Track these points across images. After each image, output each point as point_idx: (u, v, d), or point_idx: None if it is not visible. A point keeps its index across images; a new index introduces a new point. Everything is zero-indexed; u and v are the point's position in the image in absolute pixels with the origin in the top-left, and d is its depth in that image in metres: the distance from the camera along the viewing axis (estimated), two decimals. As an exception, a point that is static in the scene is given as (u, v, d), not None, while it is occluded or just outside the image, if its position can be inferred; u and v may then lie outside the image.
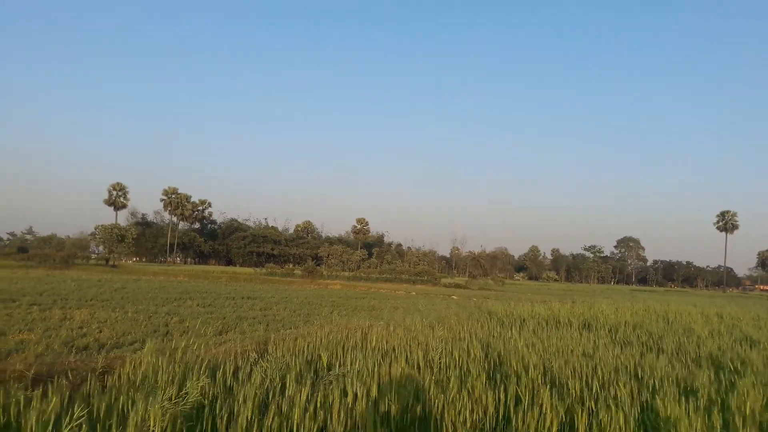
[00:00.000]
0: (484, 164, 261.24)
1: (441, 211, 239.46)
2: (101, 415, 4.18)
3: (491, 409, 5.25)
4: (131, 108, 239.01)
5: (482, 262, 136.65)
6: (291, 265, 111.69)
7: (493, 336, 10.68)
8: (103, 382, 5.64)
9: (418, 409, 5.09)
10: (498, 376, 6.66)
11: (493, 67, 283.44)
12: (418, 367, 6.86)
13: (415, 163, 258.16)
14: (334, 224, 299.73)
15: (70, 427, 3.13)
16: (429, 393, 5.36)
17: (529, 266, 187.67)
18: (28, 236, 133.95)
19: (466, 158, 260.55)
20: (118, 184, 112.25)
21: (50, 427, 3.77)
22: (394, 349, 8.11)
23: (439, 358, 7.26)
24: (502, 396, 5.53)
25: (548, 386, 5.91)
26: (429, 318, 12.78)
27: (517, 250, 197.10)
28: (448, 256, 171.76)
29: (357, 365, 6.29)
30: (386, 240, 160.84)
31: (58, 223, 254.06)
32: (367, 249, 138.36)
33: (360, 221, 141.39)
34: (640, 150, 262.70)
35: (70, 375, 6.52)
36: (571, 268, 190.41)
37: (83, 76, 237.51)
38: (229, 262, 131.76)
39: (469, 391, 5.55)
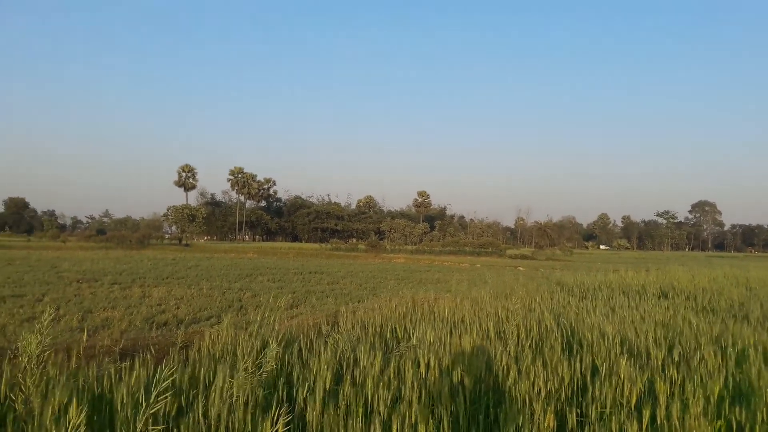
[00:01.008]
0: (548, 132, 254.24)
1: (504, 181, 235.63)
2: (185, 386, 4.37)
3: (567, 379, 5.14)
4: (195, 91, 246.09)
5: (549, 231, 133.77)
6: (354, 240, 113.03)
7: (564, 306, 10.47)
8: (184, 356, 5.89)
9: (491, 379, 5.05)
10: (572, 346, 6.52)
11: (552, 36, 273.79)
12: (489, 339, 6.80)
13: (476, 134, 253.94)
14: (395, 198, 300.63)
15: (165, 396, 3.28)
16: (501, 364, 5.30)
17: (598, 234, 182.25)
18: (105, 219, 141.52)
19: (529, 127, 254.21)
20: (186, 165, 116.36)
21: (139, 397, 3.98)
22: (462, 321, 8.07)
23: (510, 329, 7.16)
24: (577, 366, 5.40)
25: (626, 356, 5.73)
26: (496, 289, 12.65)
27: (586, 219, 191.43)
28: (513, 226, 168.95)
29: (428, 337, 6.30)
30: (448, 212, 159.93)
31: (132, 206, 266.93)
32: (429, 222, 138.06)
33: (421, 194, 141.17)
34: (714, 109, 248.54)
35: (152, 349, 6.86)
36: (643, 236, 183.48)
37: (149, 63, 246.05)
38: (295, 239, 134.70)
39: (543, 362, 5.45)
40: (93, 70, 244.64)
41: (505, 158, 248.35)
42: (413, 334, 6.81)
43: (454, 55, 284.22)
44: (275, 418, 3.51)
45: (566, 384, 5.05)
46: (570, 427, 4.22)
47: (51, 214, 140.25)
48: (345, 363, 5.15)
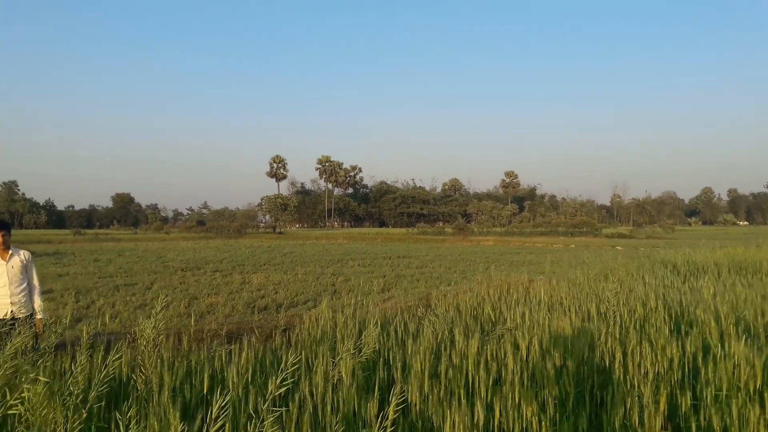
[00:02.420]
0: (643, 103, 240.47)
1: (598, 157, 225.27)
2: (289, 367, 4.54)
3: (676, 360, 4.88)
4: (282, 82, 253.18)
5: (647, 208, 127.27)
6: (441, 224, 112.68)
7: (668, 285, 9.94)
8: (286, 338, 6.12)
9: (595, 361, 4.88)
10: (680, 326, 6.18)
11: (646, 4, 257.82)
12: (590, 320, 6.58)
13: (565, 110, 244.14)
14: (482, 180, 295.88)
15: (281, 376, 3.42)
16: (605, 345, 5.11)
17: (702, 210, 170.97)
18: (204, 210, 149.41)
19: (624, 99, 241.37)
20: (277, 156, 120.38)
21: (249, 377, 4.18)
22: (560, 303, 7.85)
23: (612, 310, 6.89)
24: (687, 347, 5.11)
25: (741, 337, 5.35)
26: (594, 270, 12.19)
27: (688, 193, 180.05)
28: (608, 204, 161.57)
29: (526, 318, 6.18)
30: (538, 192, 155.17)
31: (228, 197, 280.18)
32: (517, 203, 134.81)
33: (509, 174, 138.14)
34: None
35: (256, 332, 7.18)
36: (752, 209, 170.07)
37: (239, 57, 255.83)
38: (382, 224, 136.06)
39: (650, 343, 5.21)
40: (189, 68, 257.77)
41: (598, 133, 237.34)
42: (509, 316, 6.70)
43: (541, 30, 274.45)
44: (380, 397, 3.57)
45: (675, 365, 4.79)
46: (683, 410, 4.00)
47: (154, 207, 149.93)
48: (442, 345, 5.15)
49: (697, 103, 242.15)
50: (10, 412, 3.09)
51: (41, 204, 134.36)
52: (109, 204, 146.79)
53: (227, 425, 2.83)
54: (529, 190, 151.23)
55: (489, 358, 4.49)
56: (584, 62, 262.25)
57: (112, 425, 3.42)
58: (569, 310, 6.94)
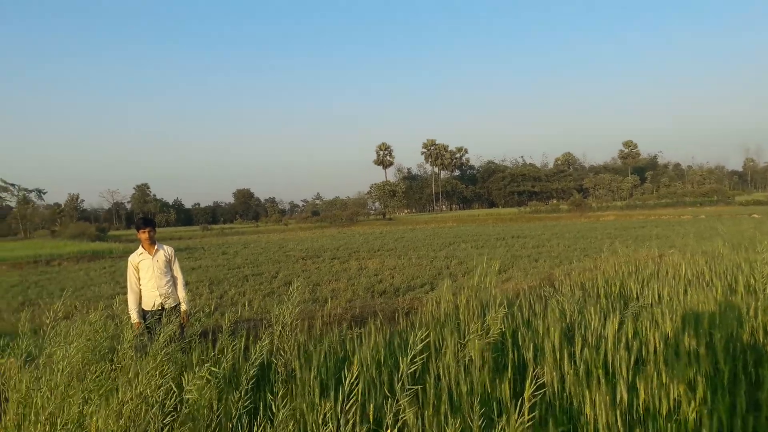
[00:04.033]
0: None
1: (727, 119, 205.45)
2: (417, 346, 4.59)
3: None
4: (384, 68, 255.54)
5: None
6: (555, 201, 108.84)
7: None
8: (409, 320, 6.19)
9: (745, 336, 4.50)
10: None
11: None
12: (734, 294, 6.06)
13: (687, 71, 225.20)
14: (597, 152, 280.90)
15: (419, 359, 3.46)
16: (756, 321, 4.69)
17: None
18: (317, 201, 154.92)
19: (752, 53, 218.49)
20: (383, 144, 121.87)
21: (380, 358, 4.27)
22: (698, 277, 7.30)
23: (762, 283, 6.29)
24: None
25: None
26: (732, 240, 11.20)
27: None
28: (741, 170, 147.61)
29: (664, 294, 5.81)
30: (660, 161, 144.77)
31: (339, 187, 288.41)
32: (638, 174, 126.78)
33: (627, 144, 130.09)
34: None
35: (380, 315, 7.33)
36: None
37: (348, 52, 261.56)
38: (492, 204, 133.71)
39: (810, 318, 4.72)
40: (295, 64, 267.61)
41: (725, 92, 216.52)
42: (642, 292, 6.34)
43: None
44: (512, 378, 3.51)
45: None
46: None
47: (272, 200, 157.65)
48: (571, 325, 4.97)
49: None
50: (186, 396, 3.33)
51: (170, 204, 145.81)
52: (231, 200, 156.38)
53: (369, 405, 2.90)
54: (650, 160, 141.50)
55: (629, 336, 4.27)
56: (708, 21, 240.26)
57: (260, 405, 3.62)
58: (711, 284, 6.43)
